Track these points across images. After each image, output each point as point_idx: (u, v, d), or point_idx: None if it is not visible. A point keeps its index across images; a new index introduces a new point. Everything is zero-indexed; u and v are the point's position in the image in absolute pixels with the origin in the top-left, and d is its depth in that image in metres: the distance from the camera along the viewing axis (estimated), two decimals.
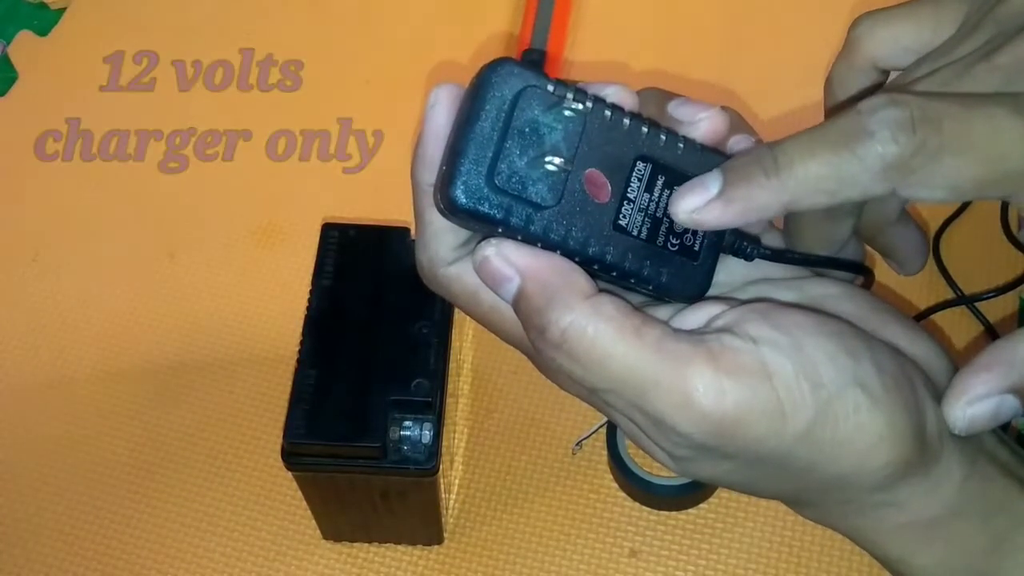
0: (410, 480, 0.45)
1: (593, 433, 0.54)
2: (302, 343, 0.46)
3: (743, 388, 0.29)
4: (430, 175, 0.31)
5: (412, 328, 0.46)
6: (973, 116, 0.29)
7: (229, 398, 0.56)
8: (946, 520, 0.32)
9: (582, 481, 0.53)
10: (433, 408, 0.44)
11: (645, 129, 0.32)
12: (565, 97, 0.31)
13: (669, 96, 0.34)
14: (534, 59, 0.65)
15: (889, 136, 0.28)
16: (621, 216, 0.32)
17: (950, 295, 0.56)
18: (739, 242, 0.34)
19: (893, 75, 0.37)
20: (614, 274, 0.32)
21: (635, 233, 0.32)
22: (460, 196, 0.30)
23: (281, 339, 0.58)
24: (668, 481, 0.51)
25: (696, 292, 0.34)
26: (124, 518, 0.53)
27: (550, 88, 0.31)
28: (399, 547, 0.52)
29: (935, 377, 0.33)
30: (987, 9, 0.33)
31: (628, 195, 0.32)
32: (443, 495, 0.49)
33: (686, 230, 0.33)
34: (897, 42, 0.36)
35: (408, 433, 0.44)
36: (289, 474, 0.46)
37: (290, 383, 0.45)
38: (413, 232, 0.35)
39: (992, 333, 0.55)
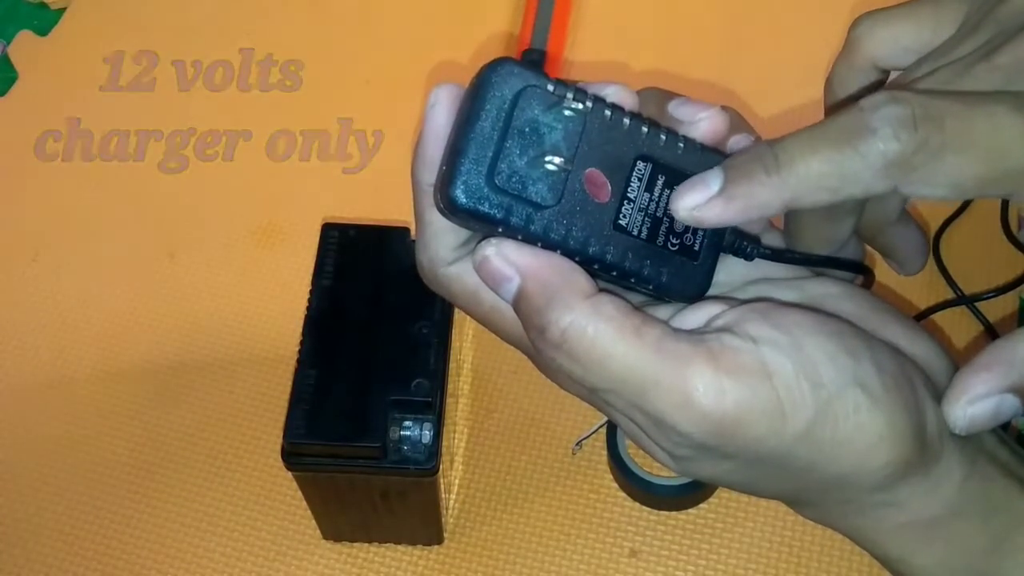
0: (410, 480, 0.45)
1: (593, 433, 0.54)
2: (302, 343, 0.46)
3: (743, 388, 0.29)
4: (430, 175, 0.31)
5: (412, 328, 0.46)
6: (975, 114, 0.29)
7: (229, 398, 0.56)
8: (946, 520, 0.32)
9: (582, 481, 0.53)
10: (433, 408, 0.44)
11: (645, 129, 0.32)
12: (565, 97, 0.31)
13: (669, 96, 0.34)
14: (534, 59, 0.65)
15: (891, 133, 0.28)
16: (621, 216, 0.32)
17: (950, 295, 0.56)
18: (739, 242, 0.34)
19: (893, 75, 0.37)
20: (614, 274, 0.32)
21: (635, 233, 0.32)
22: (460, 196, 0.30)
23: (281, 339, 0.58)
24: (668, 481, 0.51)
25: (696, 292, 0.34)
26: (124, 518, 0.53)
27: (550, 88, 0.31)
28: (399, 547, 0.52)
29: (935, 377, 0.33)
30: (987, 9, 0.33)
31: (628, 195, 0.32)
32: (443, 495, 0.49)
33: (686, 230, 0.33)
34: (897, 42, 0.36)
35: (408, 433, 0.44)
36: (289, 474, 0.46)
37: (290, 383, 0.45)
38: (413, 232, 0.35)
39: (992, 333, 0.55)
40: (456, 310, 0.46)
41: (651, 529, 0.52)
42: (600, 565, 0.51)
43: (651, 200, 0.32)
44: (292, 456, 0.45)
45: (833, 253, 0.36)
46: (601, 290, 0.31)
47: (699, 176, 0.31)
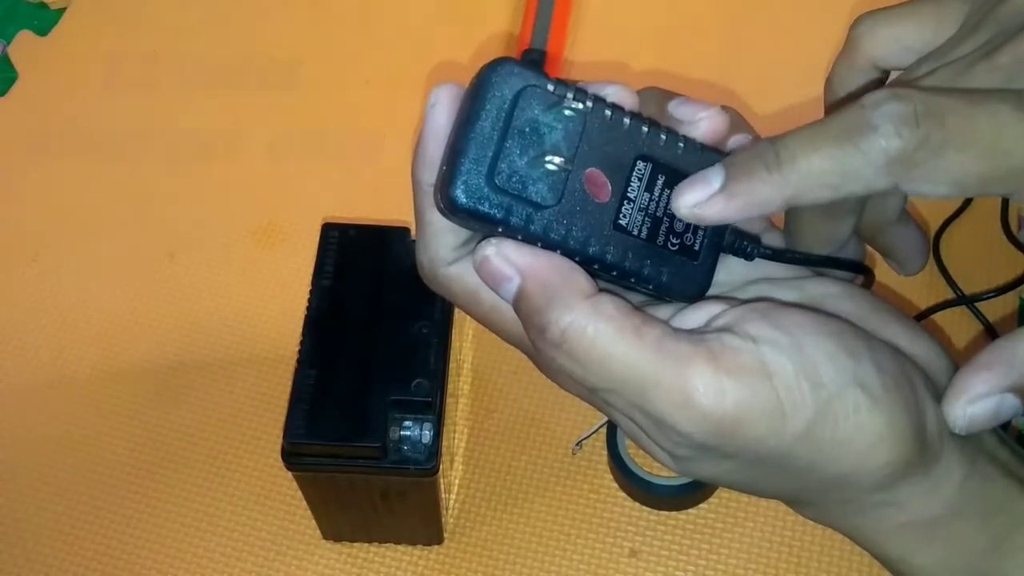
0: (410, 480, 0.45)
1: (593, 433, 0.54)
2: (302, 343, 0.46)
3: (743, 388, 0.29)
4: (430, 175, 0.31)
5: (412, 328, 0.46)
6: (977, 111, 0.29)
7: (229, 398, 0.56)
8: (946, 520, 0.32)
9: (582, 481, 0.53)
10: (433, 408, 0.44)
11: (645, 129, 0.32)
12: (565, 97, 0.31)
13: (669, 96, 0.34)
14: (534, 59, 0.65)
15: (892, 130, 0.28)
16: (621, 215, 0.32)
17: (950, 295, 0.56)
18: (739, 241, 0.34)
19: (893, 75, 0.37)
20: (614, 273, 0.32)
21: (635, 232, 0.32)
22: (460, 196, 0.30)
23: (281, 339, 0.58)
24: (668, 481, 0.51)
25: (696, 291, 0.34)
26: (124, 518, 0.53)
27: (550, 88, 0.31)
28: (399, 547, 0.52)
29: (935, 377, 0.33)
30: (988, 9, 0.33)
31: (628, 194, 0.32)
32: (443, 495, 0.49)
33: (686, 229, 0.33)
34: (898, 42, 0.36)
35: (408, 433, 0.44)
36: (289, 474, 0.46)
37: (290, 383, 0.45)
38: (413, 232, 0.35)
39: (992, 333, 0.55)
40: (456, 310, 0.46)
41: (651, 529, 0.52)
42: (600, 565, 0.51)
43: (651, 200, 0.32)
44: (292, 456, 0.45)
45: (833, 253, 0.36)
46: (601, 290, 0.31)
47: (700, 173, 0.31)
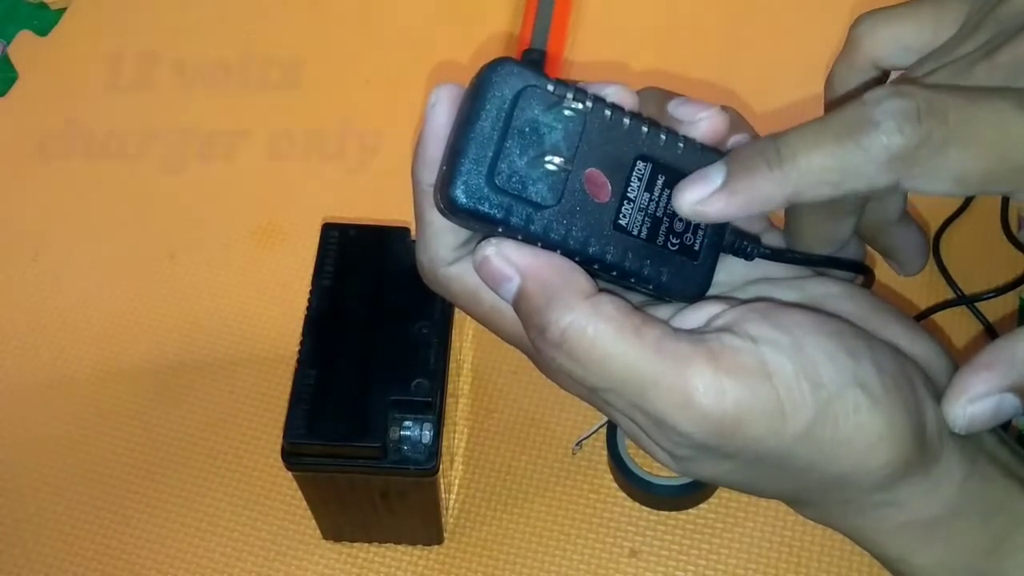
0: (410, 480, 0.45)
1: (593, 433, 0.54)
2: (302, 343, 0.46)
3: (743, 388, 0.29)
4: (430, 175, 0.31)
5: (412, 328, 0.46)
6: (979, 109, 0.29)
7: (229, 398, 0.56)
8: (946, 520, 0.32)
9: (582, 481, 0.53)
10: (433, 408, 0.44)
11: (645, 129, 0.32)
12: (565, 97, 0.31)
13: (669, 96, 0.34)
14: (534, 59, 0.65)
15: (894, 127, 0.28)
16: (621, 216, 0.32)
17: (950, 295, 0.56)
18: (739, 241, 0.34)
19: (894, 75, 0.37)
20: (614, 273, 0.32)
21: (635, 232, 0.32)
22: (460, 196, 0.30)
23: (281, 339, 0.58)
24: (668, 481, 0.51)
25: (696, 291, 0.34)
26: (124, 518, 0.53)
27: (550, 88, 0.31)
28: (399, 547, 0.52)
29: (935, 377, 0.33)
30: (988, 9, 0.33)
31: (628, 194, 0.32)
32: (443, 495, 0.49)
33: (686, 229, 0.33)
34: (898, 42, 0.36)
35: (408, 433, 0.44)
36: (289, 474, 0.46)
37: (290, 383, 0.45)
38: (413, 232, 0.35)
39: (992, 333, 0.55)
40: (456, 310, 0.46)
41: (651, 529, 0.52)
42: (600, 565, 0.51)
43: (651, 200, 0.32)
44: (292, 456, 0.45)
45: (833, 253, 0.36)
46: (601, 290, 0.31)
47: (701, 171, 0.31)
